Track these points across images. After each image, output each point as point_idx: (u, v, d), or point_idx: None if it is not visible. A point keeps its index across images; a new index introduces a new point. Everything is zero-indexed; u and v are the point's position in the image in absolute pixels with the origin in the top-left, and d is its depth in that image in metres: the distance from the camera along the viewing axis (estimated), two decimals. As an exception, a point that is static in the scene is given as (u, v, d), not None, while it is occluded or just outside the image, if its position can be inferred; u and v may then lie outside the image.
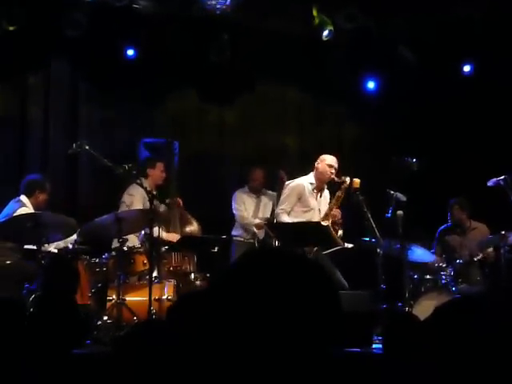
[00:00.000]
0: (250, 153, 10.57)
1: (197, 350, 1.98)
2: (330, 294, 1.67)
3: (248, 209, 9.54)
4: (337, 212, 8.17)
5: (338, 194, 8.21)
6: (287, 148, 10.99)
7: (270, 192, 9.72)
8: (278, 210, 8.46)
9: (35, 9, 9.01)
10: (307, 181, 8.46)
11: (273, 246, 8.63)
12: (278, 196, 9.27)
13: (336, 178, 8.27)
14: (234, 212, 9.54)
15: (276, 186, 9.50)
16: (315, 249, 7.94)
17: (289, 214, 8.34)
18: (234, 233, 9.47)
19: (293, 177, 8.72)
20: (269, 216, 9.53)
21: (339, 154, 8.63)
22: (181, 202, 8.91)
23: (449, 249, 9.29)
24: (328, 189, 8.58)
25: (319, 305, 1.63)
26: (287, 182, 8.59)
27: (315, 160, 8.53)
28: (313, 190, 8.43)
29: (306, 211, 8.36)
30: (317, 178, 8.44)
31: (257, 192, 9.67)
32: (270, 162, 10.04)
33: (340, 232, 8.18)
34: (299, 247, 7.74)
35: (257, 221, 9.44)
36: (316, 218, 8.26)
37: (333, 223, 8.12)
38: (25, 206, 8.02)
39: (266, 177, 9.69)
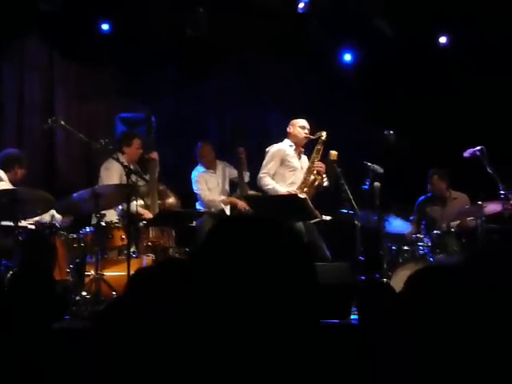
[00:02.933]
0: (227, 127, 10.55)
1: (174, 323, 1.99)
2: (303, 257, 1.67)
3: (211, 187, 9.49)
4: (320, 163, 8.30)
5: (317, 147, 8.46)
6: (265, 122, 11.00)
7: (222, 163, 9.69)
8: (260, 175, 8.54)
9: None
10: (286, 144, 8.65)
11: (242, 213, 8.68)
12: (240, 173, 9.35)
13: (311, 136, 8.48)
14: (197, 192, 9.43)
15: (236, 163, 9.52)
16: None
17: (272, 177, 8.44)
18: (198, 207, 9.43)
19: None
20: (228, 188, 9.60)
21: (317, 126, 8.64)
22: (157, 156, 8.85)
23: (429, 220, 9.32)
24: (305, 153, 8.68)
25: (293, 271, 1.63)
26: (267, 148, 8.65)
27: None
28: (293, 151, 8.57)
29: (290, 171, 8.54)
30: (293, 141, 8.62)
31: (212, 167, 9.60)
32: (251, 137, 10.02)
33: (325, 181, 8.29)
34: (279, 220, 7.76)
35: (222, 197, 9.44)
36: (300, 177, 8.39)
37: (318, 173, 8.30)
38: (2, 180, 7.96)
39: (215, 150, 9.64)
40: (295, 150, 8.64)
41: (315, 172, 8.33)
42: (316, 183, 8.28)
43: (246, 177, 9.45)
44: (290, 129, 8.66)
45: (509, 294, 2.20)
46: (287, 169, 8.55)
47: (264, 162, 8.61)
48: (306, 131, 8.58)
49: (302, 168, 8.59)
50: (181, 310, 1.74)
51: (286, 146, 8.62)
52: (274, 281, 1.60)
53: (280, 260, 1.62)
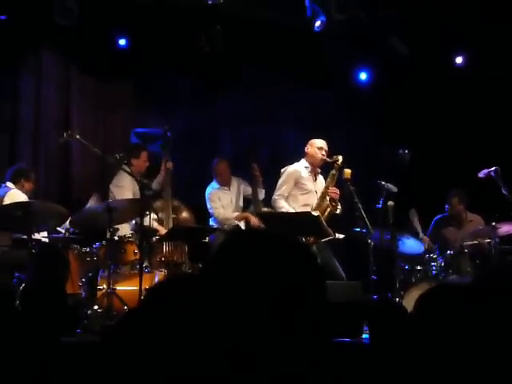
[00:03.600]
0: (242, 143, 10.55)
1: (184, 338, 1.99)
2: (313, 274, 1.66)
3: (225, 204, 9.46)
4: (334, 189, 8.26)
5: (333, 172, 8.36)
6: (280, 138, 11.02)
7: (237, 179, 9.67)
8: (274, 196, 8.51)
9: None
10: (302, 165, 8.58)
11: (255, 229, 8.67)
12: (254, 190, 9.33)
13: (328, 159, 8.38)
14: (211, 211, 9.39)
15: (251, 180, 9.51)
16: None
17: (286, 198, 8.42)
18: (211, 224, 9.42)
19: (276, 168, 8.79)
20: (241, 205, 9.58)
21: (331, 145, 8.63)
22: (171, 165, 8.87)
23: (444, 240, 9.31)
24: (321, 174, 8.65)
25: (304, 287, 1.63)
26: (283, 169, 8.63)
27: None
28: (308, 173, 8.52)
29: (303, 193, 8.49)
30: (309, 162, 8.56)
31: (227, 184, 9.57)
32: (261, 153, 10.02)
33: (339, 209, 8.26)
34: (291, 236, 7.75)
35: (235, 214, 9.42)
36: (314, 201, 8.34)
37: (331, 200, 8.21)
38: (13, 189, 8.06)
39: (230, 167, 9.63)
40: (311, 171, 8.56)
41: (328, 198, 8.28)
42: (328, 209, 8.24)
43: (261, 194, 9.42)
44: (307, 148, 8.60)
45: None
46: (300, 191, 8.49)
47: (278, 184, 8.58)
48: (324, 153, 8.48)
49: (316, 191, 8.52)
50: (193, 325, 1.74)
51: (301, 168, 8.57)
52: (284, 297, 1.60)
53: (290, 276, 1.62)
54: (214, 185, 9.55)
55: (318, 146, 8.52)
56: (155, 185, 8.89)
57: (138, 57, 10.04)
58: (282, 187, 8.49)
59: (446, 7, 9.56)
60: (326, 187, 8.34)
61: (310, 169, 8.56)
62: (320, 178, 8.65)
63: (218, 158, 9.66)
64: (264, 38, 10.12)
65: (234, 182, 9.61)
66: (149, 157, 8.97)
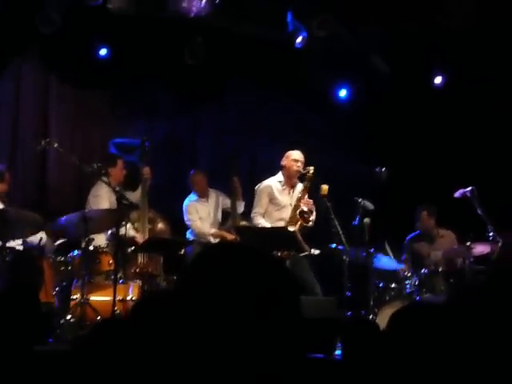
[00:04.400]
0: (220, 157, 10.54)
1: (158, 350, 1.98)
2: (287, 288, 1.67)
3: (202, 216, 9.44)
4: (306, 200, 8.26)
5: (304, 183, 8.35)
6: (256, 154, 11.04)
7: (216, 192, 9.65)
8: (252, 214, 8.51)
9: (8, 4, 8.95)
10: (275, 180, 8.57)
11: (229, 242, 8.64)
12: (233, 202, 9.31)
13: (302, 171, 8.39)
14: (188, 223, 9.37)
15: (230, 193, 9.50)
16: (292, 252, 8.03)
17: (263, 215, 8.41)
18: (188, 236, 9.40)
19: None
20: (220, 217, 9.56)
21: (308, 160, 8.64)
22: (149, 172, 8.82)
23: (417, 256, 9.35)
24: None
25: (277, 301, 1.63)
26: (256, 186, 8.62)
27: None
28: (282, 187, 8.50)
29: (278, 209, 8.47)
30: (285, 174, 8.55)
31: (205, 196, 9.55)
32: (243, 166, 10.00)
33: (312, 219, 8.26)
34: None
35: (212, 230, 9.39)
36: (289, 214, 8.33)
37: (301, 213, 8.21)
38: None
39: (207, 178, 9.63)
40: (286, 184, 8.56)
41: (298, 211, 8.27)
42: (299, 222, 8.23)
43: (241, 207, 9.40)
44: (283, 161, 8.60)
45: (490, 332, 2.21)
46: (274, 207, 8.47)
47: (254, 201, 8.58)
48: (299, 164, 8.47)
49: (290, 204, 8.52)
50: (163, 340, 1.74)
51: (273, 182, 8.54)
52: (256, 311, 1.60)
53: (264, 290, 1.62)
54: (192, 197, 9.53)
55: (293, 158, 8.52)
56: (135, 197, 8.76)
57: (119, 67, 10.03)
58: (258, 205, 8.49)
59: (427, 27, 9.62)
60: (298, 199, 8.34)
61: (283, 182, 8.54)
62: (299, 188, 8.61)
63: (194, 169, 9.66)
64: (245, 52, 10.15)
65: (213, 195, 9.60)
66: (125, 165, 8.94)
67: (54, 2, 8.96)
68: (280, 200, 8.48)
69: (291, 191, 8.59)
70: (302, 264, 8.19)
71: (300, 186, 8.58)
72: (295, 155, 8.55)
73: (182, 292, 1.69)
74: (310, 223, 8.28)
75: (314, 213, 8.33)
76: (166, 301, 2.40)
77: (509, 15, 9.25)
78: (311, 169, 8.32)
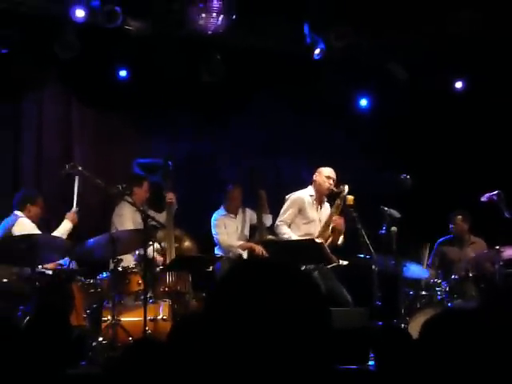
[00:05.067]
0: (243, 173, 10.52)
1: (192, 371, 1.98)
2: (317, 305, 1.66)
3: (230, 231, 9.43)
4: (338, 219, 8.25)
5: (337, 202, 8.37)
6: (280, 168, 11.02)
7: (244, 209, 9.63)
8: (277, 222, 8.53)
9: (28, 31, 9.03)
10: (307, 193, 8.59)
11: (256, 258, 8.62)
12: (259, 216, 9.30)
13: (334, 189, 8.37)
14: (215, 237, 9.34)
15: (256, 207, 9.49)
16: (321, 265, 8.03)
17: (289, 225, 8.41)
18: (216, 252, 9.39)
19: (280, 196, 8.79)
20: (247, 234, 9.55)
21: (335, 172, 8.64)
22: (173, 197, 8.83)
23: (446, 261, 9.32)
24: (328, 201, 8.65)
25: (307, 316, 1.63)
26: (287, 196, 8.63)
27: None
28: (313, 201, 8.51)
29: (306, 223, 8.49)
30: (316, 190, 8.56)
31: (234, 211, 9.54)
32: (265, 184, 9.95)
33: (341, 240, 8.25)
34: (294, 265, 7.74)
35: (239, 242, 9.36)
36: (317, 230, 8.35)
37: (334, 230, 8.21)
38: (22, 217, 8.07)
39: (243, 195, 9.64)
40: (316, 199, 8.56)
41: (331, 228, 8.27)
42: (329, 240, 8.22)
43: (269, 220, 9.35)
44: (315, 176, 8.59)
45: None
46: (303, 220, 8.49)
47: (282, 210, 8.58)
48: (331, 182, 8.48)
49: (320, 220, 8.51)
50: (197, 362, 1.73)
51: (305, 195, 8.56)
52: (287, 326, 1.59)
53: (293, 305, 1.62)
54: (220, 211, 9.54)
55: (326, 175, 8.52)
56: (160, 219, 8.76)
57: (139, 88, 10.07)
58: (286, 214, 8.50)
59: (446, 33, 9.60)
60: (330, 217, 8.34)
61: (314, 197, 8.55)
62: (326, 206, 8.63)
63: (232, 184, 9.65)
64: (264, 67, 10.16)
65: (241, 211, 9.59)
66: (150, 187, 8.98)
67: (72, 28, 9.03)
68: (310, 214, 8.48)
69: (319, 208, 8.58)
70: (330, 276, 8.18)
71: (327, 205, 8.59)
72: (327, 172, 8.56)
73: (211, 311, 1.69)
74: (340, 243, 8.28)
75: (342, 236, 8.33)
76: (198, 322, 2.40)
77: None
78: (346, 188, 8.31)
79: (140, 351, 2.78)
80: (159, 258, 8.42)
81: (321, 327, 1.65)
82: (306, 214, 8.49)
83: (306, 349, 1.60)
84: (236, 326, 1.61)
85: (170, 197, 8.78)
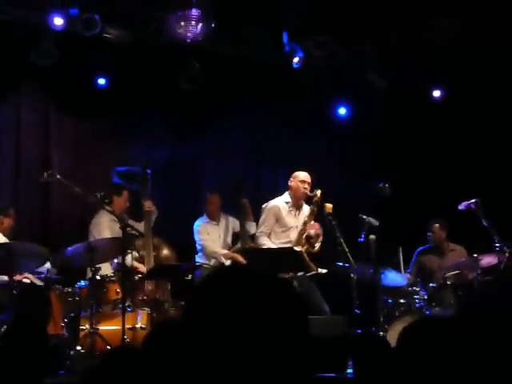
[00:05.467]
0: (223, 181, 10.51)
1: (170, 378, 1.97)
2: (295, 310, 1.66)
3: (213, 238, 9.44)
4: (313, 225, 8.24)
5: (311, 207, 8.32)
6: (259, 176, 11.03)
7: (226, 216, 9.66)
8: (257, 233, 8.53)
9: (4, 38, 9.00)
10: (282, 200, 8.57)
11: (235, 265, 8.61)
12: (242, 223, 9.29)
13: (309, 193, 8.37)
14: (199, 243, 9.37)
15: (240, 215, 9.49)
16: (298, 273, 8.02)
17: (269, 235, 8.40)
18: (198, 260, 9.38)
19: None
20: (230, 241, 9.55)
21: (312, 179, 8.64)
22: (151, 205, 8.80)
23: (426, 270, 9.34)
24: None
25: (285, 323, 1.62)
26: (264, 205, 8.63)
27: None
28: (289, 208, 8.50)
29: (284, 231, 8.48)
30: (292, 195, 8.55)
31: (216, 218, 9.56)
32: (246, 192, 9.94)
33: (317, 245, 8.25)
34: (273, 273, 7.73)
35: (224, 251, 9.38)
36: (295, 236, 8.32)
37: (307, 237, 8.19)
38: None
39: (221, 201, 9.64)
40: (292, 205, 8.55)
41: (305, 236, 8.26)
42: (306, 246, 8.22)
43: (253, 227, 9.34)
44: (290, 181, 8.59)
45: (504, 344, 2.19)
46: (280, 227, 8.48)
47: (260, 220, 8.59)
48: (306, 186, 8.47)
49: (297, 226, 8.51)
50: (175, 369, 1.73)
51: (280, 203, 8.55)
52: (265, 333, 1.59)
53: (272, 313, 1.61)
54: (203, 218, 9.56)
55: (300, 180, 8.51)
56: (139, 228, 8.75)
57: (118, 95, 10.05)
58: (264, 224, 8.50)
59: (423, 41, 9.65)
60: (304, 223, 8.32)
61: (291, 203, 8.54)
62: (305, 209, 8.61)
63: (209, 191, 9.68)
64: (243, 75, 10.18)
65: (223, 219, 9.61)
66: (129, 197, 8.95)
67: (50, 35, 9.00)
68: (287, 221, 8.48)
69: (297, 213, 8.58)
70: (308, 284, 8.18)
71: (306, 209, 8.57)
72: (302, 176, 8.55)
73: (189, 318, 1.68)
74: (316, 248, 8.27)
75: (321, 238, 8.32)
76: (175, 329, 2.40)
77: (504, 26, 9.27)
78: (318, 192, 8.30)
79: (118, 359, 2.77)
80: (139, 265, 8.38)
81: (299, 335, 1.65)
82: (283, 222, 8.48)
83: (284, 357, 1.60)
84: (214, 333, 1.60)
85: (149, 205, 8.74)
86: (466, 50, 9.76)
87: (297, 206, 8.58)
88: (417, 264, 9.49)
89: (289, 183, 8.61)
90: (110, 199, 8.42)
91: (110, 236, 8.18)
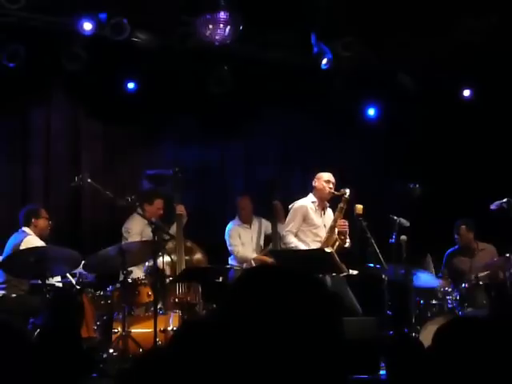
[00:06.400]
0: (252, 184, 10.52)
1: (203, 379, 1.98)
2: (328, 310, 1.65)
3: (245, 241, 9.51)
4: (342, 222, 8.23)
5: (341, 205, 8.33)
6: (290, 179, 11.02)
7: (259, 219, 9.72)
8: (284, 232, 8.53)
9: (35, 44, 9.07)
10: (309, 200, 8.59)
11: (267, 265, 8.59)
12: (274, 227, 9.32)
13: (336, 192, 8.37)
14: (230, 248, 9.46)
15: (272, 216, 9.51)
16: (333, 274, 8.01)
17: (296, 234, 8.41)
18: (231, 263, 9.44)
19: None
20: (262, 244, 9.56)
21: (342, 180, 8.63)
22: (183, 209, 8.84)
23: (457, 272, 9.29)
24: (330, 207, 8.63)
25: (318, 324, 1.62)
26: (290, 205, 8.63)
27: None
28: (315, 208, 8.50)
29: (312, 229, 8.45)
30: (317, 196, 8.56)
31: (248, 221, 9.64)
32: (276, 196, 9.90)
33: (348, 242, 8.24)
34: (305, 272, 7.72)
35: (254, 255, 9.42)
36: (323, 234, 8.31)
37: (339, 233, 8.19)
38: (29, 234, 8.10)
39: (253, 203, 9.66)
40: (318, 205, 8.56)
41: (337, 231, 8.25)
42: (337, 243, 8.21)
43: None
44: (314, 182, 8.61)
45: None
46: (309, 226, 8.48)
47: (287, 220, 8.59)
48: (331, 186, 8.49)
49: (324, 225, 8.49)
50: (209, 369, 1.73)
51: (307, 203, 8.56)
52: (298, 334, 1.59)
53: (305, 313, 1.61)
54: (235, 221, 9.66)
55: (325, 180, 8.53)
56: (172, 230, 8.81)
57: (147, 99, 10.09)
58: (291, 223, 8.50)
59: (452, 41, 9.59)
60: (335, 220, 8.32)
61: (317, 203, 8.55)
62: (328, 211, 8.63)
63: (240, 194, 9.77)
64: (271, 78, 10.17)
65: (256, 221, 9.67)
66: (164, 204, 8.98)
67: (79, 39, 9.07)
68: (315, 220, 8.49)
69: (322, 213, 8.59)
70: (341, 284, 8.17)
71: (330, 211, 8.58)
72: (326, 176, 8.56)
73: (223, 318, 1.68)
74: (347, 244, 8.26)
75: (349, 239, 8.31)
76: (206, 328, 2.40)
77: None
78: (347, 191, 8.29)
79: (150, 362, 2.78)
80: (168, 270, 8.41)
81: (332, 334, 1.65)
82: (311, 221, 8.49)
83: (317, 357, 1.60)
84: (248, 333, 1.60)
85: (181, 209, 8.78)
86: (494, 50, 9.69)
87: (322, 206, 8.59)
88: (448, 266, 9.44)
89: (313, 184, 8.62)
90: (141, 206, 8.50)
91: (140, 239, 8.22)
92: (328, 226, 8.41)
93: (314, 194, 8.60)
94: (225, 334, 1.65)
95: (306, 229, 8.48)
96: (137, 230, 8.52)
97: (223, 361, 1.63)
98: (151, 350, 6.48)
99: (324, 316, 1.64)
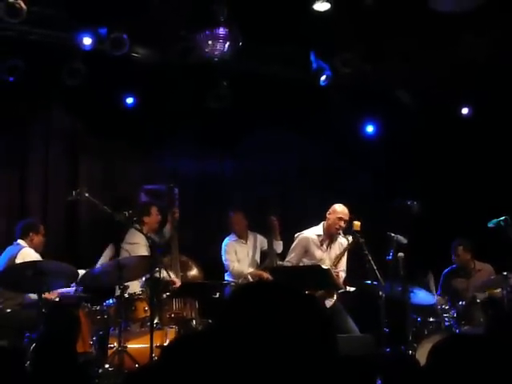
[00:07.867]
0: (250, 201, 10.52)
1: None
2: (322, 327, 1.65)
3: (241, 257, 9.50)
4: (337, 271, 8.20)
5: (345, 246, 8.26)
6: (288, 195, 11.01)
7: (254, 234, 9.73)
8: (285, 261, 8.49)
9: (34, 58, 9.09)
10: (314, 233, 8.41)
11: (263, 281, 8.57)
12: (269, 242, 9.31)
13: (341, 233, 8.30)
14: (226, 263, 9.44)
15: (268, 232, 9.52)
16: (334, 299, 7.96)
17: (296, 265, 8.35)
18: (227, 278, 9.42)
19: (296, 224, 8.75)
20: (258, 259, 9.56)
21: (341, 199, 8.59)
22: (178, 215, 8.88)
23: (454, 292, 9.27)
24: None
25: (312, 340, 1.62)
26: (296, 234, 8.52)
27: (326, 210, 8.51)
28: (320, 241, 8.38)
29: (313, 262, 8.31)
30: (326, 228, 8.38)
31: (243, 237, 9.65)
32: (273, 212, 9.90)
33: (341, 289, 8.22)
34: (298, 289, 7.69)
35: (250, 270, 9.41)
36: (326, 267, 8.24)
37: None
38: (25, 247, 8.10)
39: (248, 219, 9.67)
40: (323, 239, 8.41)
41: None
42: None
43: (279, 246, 9.38)
44: (329, 213, 8.37)
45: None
46: (310, 258, 8.33)
47: (290, 248, 8.51)
48: (342, 224, 8.24)
49: (330, 259, 8.33)
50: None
51: (311, 235, 8.37)
52: (291, 350, 1.58)
53: (298, 329, 1.61)
54: (231, 237, 9.65)
55: (338, 216, 8.28)
56: (166, 233, 9.02)
57: (146, 114, 10.11)
58: (291, 254, 8.41)
59: (452, 58, 9.62)
60: (333, 264, 8.21)
61: (322, 237, 8.38)
62: (340, 241, 8.46)
63: (232, 211, 9.73)
64: (270, 93, 10.18)
65: (251, 236, 9.67)
66: (159, 210, 9.05)
67: (79, 54, 9.09)
68: (315, 254, 8.35)
69: (329, 246, 8.42)
70: (335, 304, 8.15)
71: (342, 240, 8.43)
72: (340, 213, 8.32)
73: (217, 333, 1.68)
74: (341, 290, 8.23)
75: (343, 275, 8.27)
76: (198, 343, 2.39)
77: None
78: (349, 238, 8.13)
79: (142, 377, 2.77)
80: (175, 279, 8.43)
81: (327, 352, 1.64)
82: (312, 254, 8.36)
83: (310, 373, 1.59)
84: (243, 347, 1.60)
85: (176, 215, 8.92)
86: (494, 67, 9.71)
87: (330, 240, 8.43)
88: (445, 286, 9.42)
89: (327, 215, 8.41)
90: (140, 222, 8.51)
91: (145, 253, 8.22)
92: (333, 259, 8.30)
93: (323, 225, 8.46)
94: (217, 348, 1.65)
95: (308, 261, 8.36)
96: (143, 241, 8.49)
97: (214, 375, 1.63)
98: (143, 365, 6.47)
99: (317, 332, 1.63)
